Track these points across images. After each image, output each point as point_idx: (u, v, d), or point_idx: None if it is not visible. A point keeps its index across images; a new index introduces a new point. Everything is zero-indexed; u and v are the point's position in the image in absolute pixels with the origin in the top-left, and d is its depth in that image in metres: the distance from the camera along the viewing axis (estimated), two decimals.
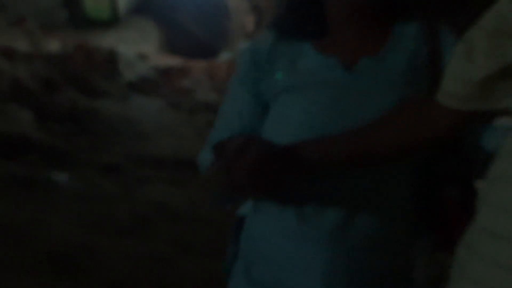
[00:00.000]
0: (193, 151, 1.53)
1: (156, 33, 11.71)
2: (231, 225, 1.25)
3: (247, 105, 1.09)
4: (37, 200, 3.77)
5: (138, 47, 10.38)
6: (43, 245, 3.14)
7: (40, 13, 9.92)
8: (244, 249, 1.13)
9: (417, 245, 1.09)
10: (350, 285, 1.02)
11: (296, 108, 1.03)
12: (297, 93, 1.03)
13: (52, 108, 5.98)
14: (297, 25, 1.08)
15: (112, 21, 11.86)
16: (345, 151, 0.92)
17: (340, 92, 1.01)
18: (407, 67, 1.01)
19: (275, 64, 1.06)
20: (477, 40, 0.79)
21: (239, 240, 1.16)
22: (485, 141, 1.00)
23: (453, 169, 1.00)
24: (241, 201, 1.06)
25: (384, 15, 1.05)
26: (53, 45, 8.58)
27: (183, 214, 3.88)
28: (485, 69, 0.78)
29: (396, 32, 1.05)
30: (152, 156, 5.50)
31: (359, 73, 1.01)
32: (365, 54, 1.02)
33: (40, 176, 4.25)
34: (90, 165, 4.87)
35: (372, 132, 0.92)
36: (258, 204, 1.09)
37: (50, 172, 4.40)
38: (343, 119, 0.98)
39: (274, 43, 1.08)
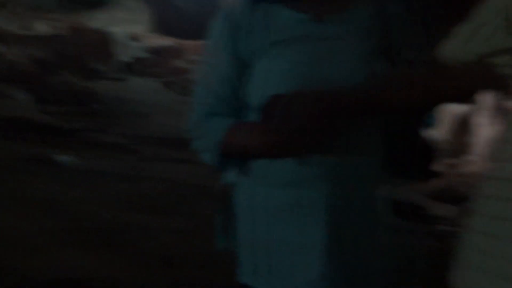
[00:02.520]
0: None
1: (147, 12, 11.61)
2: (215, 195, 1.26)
3: (230, 68, 1.20)
4: (46, 179, 3.80)
5: (129, 28, 10.30)
6: (67, 219, 3.20)
7: None
8: (241, 215, 1.20)
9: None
10: (351, 217, 1.15)
11: (282, 60, 1.16)
12: (281, 47, 1.17)
13: (49, 90, 5.97)
14: None
15: (100, 1, 11.74)
16: (412, 98, 1.06)
17: (319, 43, 1.17)
18: (368, 26, 1.19)
19: (255, 25, 1.19)
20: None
21: (230, 208, 1.23)
22: None
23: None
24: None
25: None
26: (43, 27, 8.49)
27: (192, 189, 3.94)
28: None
29: None
30: (151, 134, 5.53)
31: (332, 26, 1.18)
32: (331, 11, 1.19)
33: (44, 156, 4.28)
34: (91, 144, 4.91)
35: (437, 81, 1.04)
36: (245, 169, 1.18)
37: (52, 153, 4.42)
38: (325, 65, 1.15)
39: (250, 7, 1.21)
